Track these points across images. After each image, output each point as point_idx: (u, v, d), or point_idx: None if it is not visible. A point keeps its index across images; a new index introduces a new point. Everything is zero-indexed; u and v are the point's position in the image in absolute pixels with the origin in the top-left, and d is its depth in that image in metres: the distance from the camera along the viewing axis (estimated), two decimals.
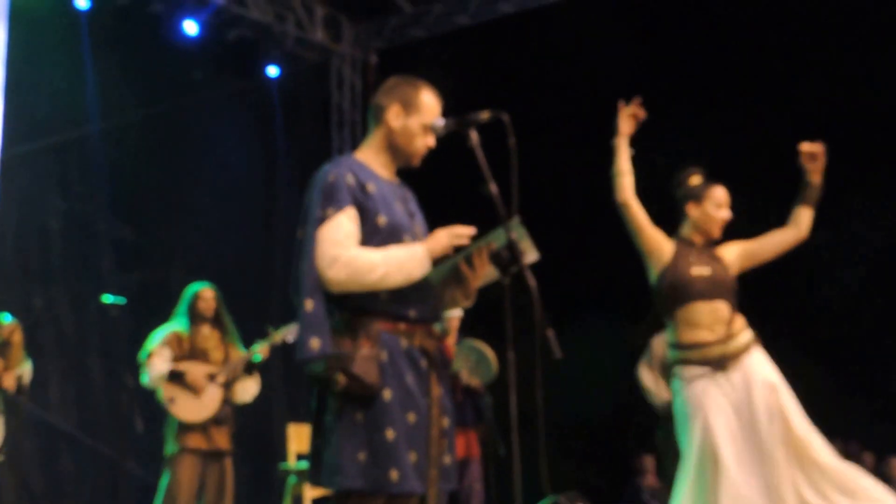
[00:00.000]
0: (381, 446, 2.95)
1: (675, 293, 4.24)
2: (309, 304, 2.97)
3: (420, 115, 3.17)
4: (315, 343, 2.95)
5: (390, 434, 2.96)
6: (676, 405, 4.29)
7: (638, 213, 4.33)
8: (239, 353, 6.16)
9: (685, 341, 4.24)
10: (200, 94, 9.10)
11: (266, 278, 9.49)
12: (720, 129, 8.47)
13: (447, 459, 3.15)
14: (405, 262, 3.00)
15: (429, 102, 3.18)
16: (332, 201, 3.03)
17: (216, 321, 6.13)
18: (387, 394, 2.99)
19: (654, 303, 4.43)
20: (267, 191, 9.98)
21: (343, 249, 2.98)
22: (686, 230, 4.43)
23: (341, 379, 2.94)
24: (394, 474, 2.94)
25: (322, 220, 3.01)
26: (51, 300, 8.13)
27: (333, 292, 3.02)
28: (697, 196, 4.40)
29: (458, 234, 3.08)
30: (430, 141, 3.22)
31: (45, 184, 8.24)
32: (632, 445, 9.26)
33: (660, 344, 6.03)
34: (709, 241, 4.42)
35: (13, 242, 7.92)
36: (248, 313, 8.31)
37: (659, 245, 4.34)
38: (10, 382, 5.62)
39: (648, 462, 9.33)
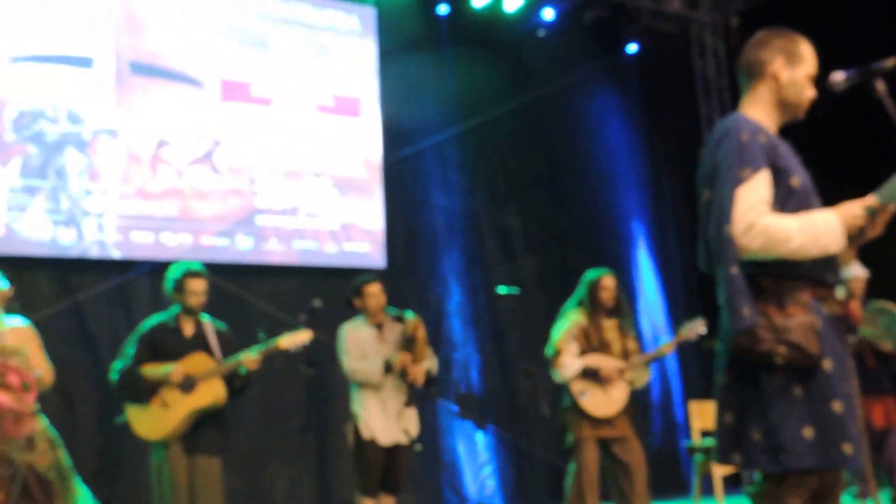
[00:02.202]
0: (829, 420, 2.75)
1: None
2: (734, 271, 2.79)
3: (804, 65, 3.02)
4: (747, 311, 2.78)
5: (837, 406, 2.76)
6: None
7: None
8: (637, 346, 5.95)
9: None
10: (563, 80, 9.17)
11: (660, 256, 9.40)
12: None
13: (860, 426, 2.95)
14: (822, 235, 2.82)
15: (809, 53, 3.05)
16: (747, 162, 2.85)
17: (615, 310, 5.94)
18: (827, 363, 2.80)
19: None
20: (641, 167, 9.86)
21: (759, 216, 2.81)
22: None
23: (782, 350, 2.77)
24: (847, 448, 2.74)
25: (738, 181, 2.84)
26: (444, 294, 8.42)
27: (744, 259, 2.86)
28: None
29: (871, 206, 2.85)
30: (814, 92, 3.06)
31: (427, 183, 8.63)
32: None
33: None
34: None
35: (404, 242, 8.34)
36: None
37: None
38: (419, 376, 5.73)
39: None
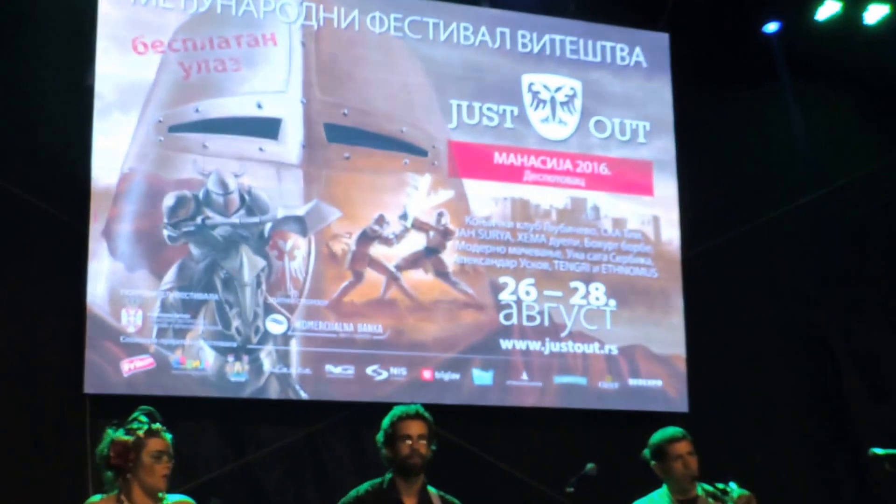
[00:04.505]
0: None
1: None
2: None
3: None
4: None
5: None
6: None
7: None
8: None
9: None
10: None
11: None
12: None
13: None
14: None
15: None
16: None
17: None
18: None
19: None
20: None
21: None
22: None
23: None
24: None
25: None
26: (779, 451, 6.91)
27: None
28: None
29: None
30: None
31: (746, 284, 7.21)
32: None
33: None
34: None
35: (711, 373, 6.92)
36: None
37: None
38: None
39: None
